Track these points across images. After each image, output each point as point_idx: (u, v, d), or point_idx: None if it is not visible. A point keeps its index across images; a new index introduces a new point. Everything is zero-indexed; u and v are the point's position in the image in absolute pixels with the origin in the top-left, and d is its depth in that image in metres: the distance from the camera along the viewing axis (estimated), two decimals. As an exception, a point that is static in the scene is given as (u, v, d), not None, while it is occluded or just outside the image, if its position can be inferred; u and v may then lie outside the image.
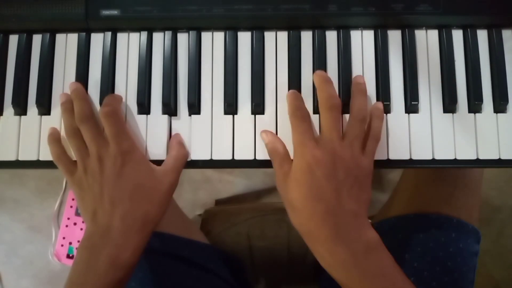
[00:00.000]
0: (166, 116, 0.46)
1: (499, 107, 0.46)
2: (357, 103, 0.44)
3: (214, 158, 0.46)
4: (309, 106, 0.46)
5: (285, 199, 0.43)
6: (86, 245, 0.43)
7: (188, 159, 0.46)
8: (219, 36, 0.48)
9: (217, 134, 0.46)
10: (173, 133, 0.46)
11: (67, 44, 0.48)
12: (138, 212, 0.43)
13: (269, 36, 0.47)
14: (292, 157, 0.43)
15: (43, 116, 0.47)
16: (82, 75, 0.47)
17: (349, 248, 0.40)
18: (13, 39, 0.48)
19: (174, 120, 0.47)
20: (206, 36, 0.48)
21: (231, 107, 0.46)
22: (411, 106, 0.46)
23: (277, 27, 0.47)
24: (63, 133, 0.46)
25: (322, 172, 0.40)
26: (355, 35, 0.47)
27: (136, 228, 0.43)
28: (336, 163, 0.41)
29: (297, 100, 0.44)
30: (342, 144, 0.42)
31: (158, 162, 0.46)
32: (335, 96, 0.43)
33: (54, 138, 0.46)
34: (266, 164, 0.45)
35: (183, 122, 0.46)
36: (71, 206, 1.03)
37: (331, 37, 0.47)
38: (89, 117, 0.44)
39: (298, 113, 0.43)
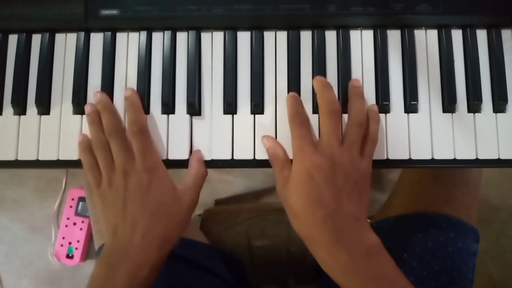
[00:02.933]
0: (165, 116, 0.46)
1: (499, 107, 0.46)
2: (355, 107, 0.44)
3: (214, 158, 0.46)
4: (308, 106, 0.46)
5: (285, 204, 0.43)
6: (105, 260, 0.43)
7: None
8: (219, 36, 0.48)
9: (217, 134, 0.46)
10: (170, 133, 0.46)
11: (66, 44, 0.48)
12: (158, 231, 0.43)
13: (268, 36, 0.47)
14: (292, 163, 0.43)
15: (42, 116, 0.47)
16: (81, 75, 0.47)
17: (350, 252, 0.40)
18: (13, 39, 0.48)
19: (174, 120, 0.47)
20: (205, 36, 0.48)
21: (230, 107, 0.46)
22: (411, 106, 0.46)
23: (276, 27, 0.47)
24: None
25: (321, 177, 0.41)
26: (354, 35, 0.47)
27: (155, 246, 0.43)
28: (335, 168, 0.41)
29: (296, 105, 0.44)
30: (341, 149, 0.42)
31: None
32: (335, 101, 0.44)
33: (87, 146, 0.45)
34: (265, 164, 0.45)
35: (183, 121, 0.46)
36: (71, 206, 1.03)
37: (331, 37, 0.47)
38: (119, 131, 0.44)
39: (297, 119, 0.43)
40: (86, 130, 0.46)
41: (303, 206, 0.41)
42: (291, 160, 0.43)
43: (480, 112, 0.46)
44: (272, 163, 0.44)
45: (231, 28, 0.47)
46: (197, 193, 0.45)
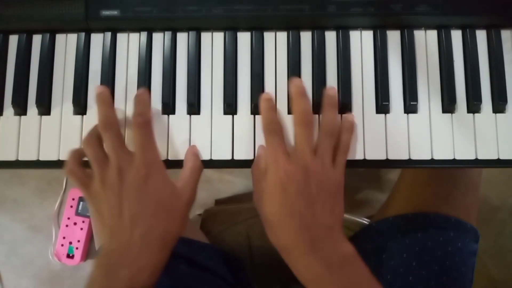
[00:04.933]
0: (165, 116, 0.46)
1: (498, 107, 0.46)
2: (326, 117, 0.44)
3: (214, 158, 0.46)
4: (308, 106, 0.46)
5: (261, 215, 0.43)
6: (103, 262, 0.41)
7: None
8: (219, 36, 0.48)
9: (217, 134, 0.46)
10: (171, 133, 0.46)
11: (67, 44, 0.48)
12: (159, 230, 0.41)
13: (268, 36, 0.47)
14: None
15: (43, 116, 0.47)
16: (81, 75, 0.47)
17: (324, 262, 0.40)
18: (13, 39, 0.48)
19: (173, 120, 0.47)
20: (205, 36, 0.48)
21: (230, 107, 0.46)
22: (410, 106, 0.46)
23: (276, 28, 0.47)
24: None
25: (295, 187, 0.41)
26: (354, 35, 0.47)
27: (156, 247, 0.41)
28: (309, 177, 0.41)
29: (270, 112, 0.44)
30: (313, 159, 0.42)
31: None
32: (309, 111, 0.43)
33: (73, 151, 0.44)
34: (265, 164, 0.45)
35: (183, 121, 0.47)
36: (71, 206, 1.03)
37: (331, 37, 0.47)
38: (114, 125, 0.43)
39: (271, 127, 0.43)
40: (87, 130, 0.46)
41: (278, 216, 0.41)
42: None
43: (479, 113, 0.46)
44: (252, 173, 0.45)
45: (231, 29, 0.47)
46: (195, 187, 0.44)
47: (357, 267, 0.41)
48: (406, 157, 0.45)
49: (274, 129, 0.43)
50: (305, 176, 0.41)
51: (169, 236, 0.42)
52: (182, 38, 0.48)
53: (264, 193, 0.42)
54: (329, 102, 0.44)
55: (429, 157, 0.45)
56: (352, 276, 0.40)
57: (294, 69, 0.46)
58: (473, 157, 0.45)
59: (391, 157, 0.45)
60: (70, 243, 1.02)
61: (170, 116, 0.47)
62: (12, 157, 0.46)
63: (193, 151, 0.45)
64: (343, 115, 0.45)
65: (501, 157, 0.45)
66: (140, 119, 0.43)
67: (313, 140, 0.43)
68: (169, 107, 0.46)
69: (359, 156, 0.45)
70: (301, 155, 0.42)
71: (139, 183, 0.41)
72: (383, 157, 0.45)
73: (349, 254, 0.41)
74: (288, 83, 0.46)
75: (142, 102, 0.44)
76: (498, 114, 0.46)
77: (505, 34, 0.47)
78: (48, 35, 0.48)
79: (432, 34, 0.47)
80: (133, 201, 0.41)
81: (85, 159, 0.44)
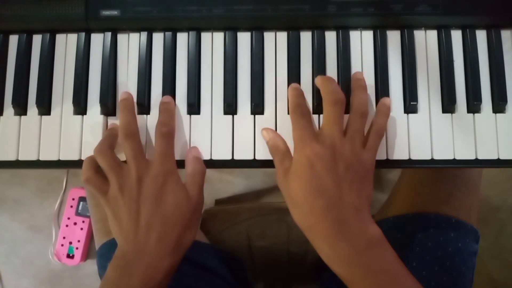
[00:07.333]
0: (166, 116, 0.46)
1: (498, 107, 0.46)
2: (358, 98, 0.44)
3: (214, 158, 0.46)
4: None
5: (286, 195, 0.43)
6: (119, 264, 0.43)
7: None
8: (219, 36, 0.48)
9: (217, 134, 0.46)
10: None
11: (67, 44, 0.48)
12: (173, 235, 0.43)
13: (268, 36, 0.47)
14: (292, 154, 0.43)
15: (43, 116, 0.47)
16: (81, 76, 0.47)
17: (351, 243, 0.40)
18: (13, 39, 0.48)
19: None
20: (205, 36, 0.48)
21: (230, 107, 0.46)
22: (410, 106, 0.46)
23: (276, 28, 0.47)
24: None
25: (322, 166, 0.40)
26: (354, 35, 0.47)
27: (171, 250, 0.42)
28: (336, 157, 0.41)
29: (298, 97, 0.45)
30: (342, 139, 0.42)
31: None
32: (339, 91, 0.43)
33: (90, 158, 0.44)
34: (265, 164, 0.46)
35: (183, 121, 0.47)
36: (71, 206, 1.03)
37: (331, 37, 0.47)
38: (135, 133, 0.44)
39: (298, 110, 0.43)
40: (87, 130, 0.46)
41: (304, 195, 0.41)
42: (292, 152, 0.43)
43: (479, 113, 0.46)
44: (272, 155, 0.44)
45: (231, 29, 0.47)
46: (200, 191, 0.45)
47: (384, 249, 0.41)
48: (406, 157, 0.45)
49: (301, 111, 0.43)
50: (333, 155, 0.41)
51: (182, 240, 0.43)
52: (182, 38, 0.48)
53: (290, 172, 0.42)
54: (358, 85, 0.45)
55: (429, 157, 0.45)
56: (378, 258, 0.40)
57: (294, 69, 0.46)
58: (473, 157, 0.45)
59: (391, 157, 0.45)
60: (70, 243, 1.02)
61: (170, 116, 0.47)
62: (12, 157, 0.46)
63: (193, 154, 0.45)
64: (381, 99, 0.45)
65: (501, 157, 0.45)
66: (164, 129, 0.44)
67: (342, 120, 0.43)
68: (169, 107, 0.46)
69: (359, 156, 0.45)
70: (329, 134, 0.42)
71: (156, 191, 0.42)
72: (383, 157, 0.45)
73: (376, 236, 0.41)
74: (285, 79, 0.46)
75: (168, 112, 0.45)
76: (498, 114, 0.46)
77: (505, 34, 0.47)
78: (48, 35, 0.48)
79: (432, 34, 0.47)
80: (150, 208, 0.42)
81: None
